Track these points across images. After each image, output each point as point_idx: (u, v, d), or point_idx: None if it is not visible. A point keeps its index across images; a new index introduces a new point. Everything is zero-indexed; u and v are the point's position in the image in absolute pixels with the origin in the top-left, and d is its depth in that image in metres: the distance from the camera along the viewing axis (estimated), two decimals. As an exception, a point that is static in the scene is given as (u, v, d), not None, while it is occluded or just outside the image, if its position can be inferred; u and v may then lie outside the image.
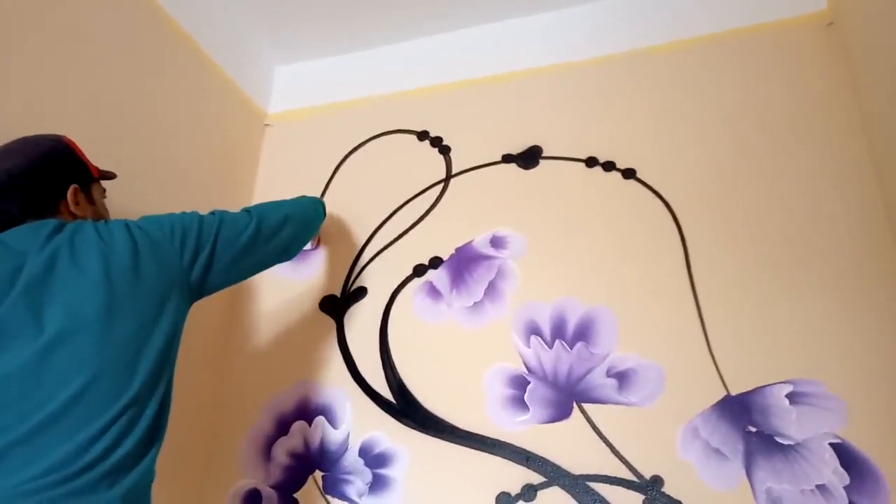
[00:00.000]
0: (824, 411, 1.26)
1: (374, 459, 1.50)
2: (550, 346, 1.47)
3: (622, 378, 1.39)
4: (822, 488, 1.21)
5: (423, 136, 1.84)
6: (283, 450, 1.58)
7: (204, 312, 1.70)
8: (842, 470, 1.21)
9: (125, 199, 1.33)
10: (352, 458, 1.51)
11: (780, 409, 1.29)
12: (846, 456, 1.22)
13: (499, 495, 1.37)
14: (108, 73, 1.47)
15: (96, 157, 1.16)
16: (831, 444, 1.24)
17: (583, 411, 1.39)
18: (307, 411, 1.60)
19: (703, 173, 1.52)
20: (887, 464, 1.20)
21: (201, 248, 1.08)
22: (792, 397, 1.29)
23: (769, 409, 1.29)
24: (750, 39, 1.62)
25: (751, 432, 1.28)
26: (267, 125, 2.07)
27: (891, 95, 1.26)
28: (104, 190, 1.18)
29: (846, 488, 1.20)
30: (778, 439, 1.26)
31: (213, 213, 1.16)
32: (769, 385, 1.31)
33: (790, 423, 1.27)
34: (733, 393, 1.32)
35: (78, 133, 1.13)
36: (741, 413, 1.30)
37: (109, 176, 1.18)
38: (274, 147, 2.04)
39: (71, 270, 0.91)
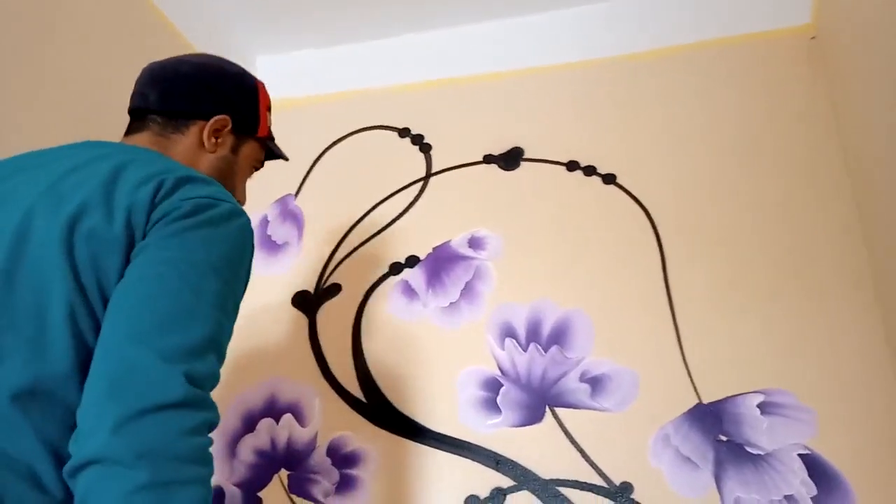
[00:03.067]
0: (795, 422, 1.27)
1: (342, 459, 1.47)
2: (525, 349, 1.45)
3: (595, 383, 1.38)
4: (790, 499, 1.21)
5: (404, 133, 1.82)
6: (248, 447, 1.54)
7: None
8: (810, 481, 1.22)
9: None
10: (319, 458, 1.48)
11: (751, 418, 1.29)
12: (815, 467, 1.23)
13: (467, 498, 1.35)
14: (85, 54, 1.43)
15: (64, 136, 1.11)
16: (800, 455, 1.24)
17: (555, 415, 1.38)
18: (275, 408, 1.56)
19: (683, 182, 1.53)
20: (856, 475, 1.21)
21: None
22: (763, 407, 1.29)
23: (740, 418, 1.29)
24: (733, 49, 1.63)
25: (721, 441, 1.28)
26: (245, 116, 2.03)
27: (869, 110, 1.28)
28: (261, 158, 1.02)
29: (814, 499, 1.21)
30: (748, 449, 1.26)
31: (220, 354, 0.71)
32: (741, 394, 1.31)
33: (761, 433, 1.27)
34: (705, 401, 1.32)
35: (51, 111, 1.09)
36: (713, 422, 1.30)
37: (277, 152, 1.03)
38: (252, 138, 2.00)
39: None
